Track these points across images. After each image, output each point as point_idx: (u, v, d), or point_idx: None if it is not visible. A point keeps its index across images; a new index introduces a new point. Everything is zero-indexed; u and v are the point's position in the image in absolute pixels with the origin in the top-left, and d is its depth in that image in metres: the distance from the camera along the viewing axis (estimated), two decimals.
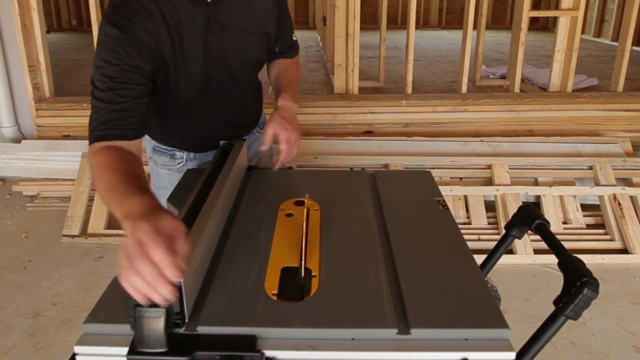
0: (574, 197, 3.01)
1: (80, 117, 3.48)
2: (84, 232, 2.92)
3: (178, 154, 1.52)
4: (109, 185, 0.99)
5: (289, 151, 1.37)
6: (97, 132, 1.11)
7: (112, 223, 3.01)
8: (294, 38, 1.56)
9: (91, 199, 3.05)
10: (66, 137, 3.49)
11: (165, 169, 1.55)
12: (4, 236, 2.95)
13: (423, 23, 10.32)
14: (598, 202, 3.00)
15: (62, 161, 3.32)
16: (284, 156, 1.37)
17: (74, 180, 3.14)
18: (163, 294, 0.70)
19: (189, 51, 1.25)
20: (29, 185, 3.33)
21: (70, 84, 4.82)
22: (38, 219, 3.13)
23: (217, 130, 1.48)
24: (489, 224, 2.94)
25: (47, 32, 4.75)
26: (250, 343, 0.77)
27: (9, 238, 2.93)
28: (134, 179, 1.01)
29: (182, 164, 1.52)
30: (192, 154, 1.52)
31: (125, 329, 0.82)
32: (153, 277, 0.70)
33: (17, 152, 3.39)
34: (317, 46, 7.57)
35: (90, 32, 3.59)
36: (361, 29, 3.64)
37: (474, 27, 3.81)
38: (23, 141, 3.47)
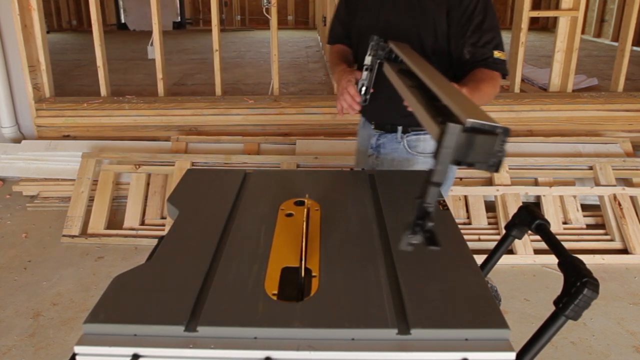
0: (574, 197, 3.01)
1: (80, 117, 3.48)
2: (84, 232, 2.92)
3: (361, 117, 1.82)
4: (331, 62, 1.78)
5: None
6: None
7: (112, 223, 3.02)
8: (496, 55, 1.52)
9: (91, 199, 3.05)
10: (66, 137, 3.49)
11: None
12: (4, 236, 2.94)
13: None
14: (598, 202, 3.00)
15: (62, 161, 3.31)
16: None
17: (74, 180, 3.14)
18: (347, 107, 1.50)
19: (366, 6, 1.65)
20: (29, 185, 3.33)
21: (70, 84, 4.81)
22: (38, 219, 3.13)
23: (371, 102, 1.62)
24: (489, 224, 2.93)
25: (47, 32, 4.75)
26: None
27: (9, 238, 2.92)
28: (341, 57, 1.72)
29: (358, 130, 1.86)
30: (362, 120, 1.81)
31: (125, 329, 0.82)
32: (343, 104, 1.51)
33: (17, 152, 3.39)
34: (317, 46, 7.57)
35: (90, 32, 3.58)
36: None
37: None
38: (23, 141, 3.47)
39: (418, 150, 1.67)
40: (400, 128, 1.66)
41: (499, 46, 1.53)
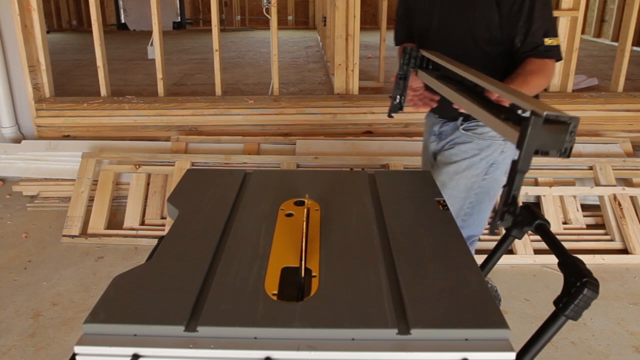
0: (574, 197, 3.01)
1: (80, 117, 3.48)
2: (84, 233, 2.92)
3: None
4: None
5: None
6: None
7: (112, 223, 3.02)
8: (547, 42, 1.53)
9: (91, 199, 3.05)
10: (66, 137, 3.49)
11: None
12: (4, 236, 2.94)
13: None
14: (598, 202, 3.00)
15: (62, 161, 3.31)
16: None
17: (74, 180, 3.14)
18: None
19: (422, 8, 1.70)
20: (29, 185, 3.33)
21: (70, 84, 4.82)
22: (38, 219, 3.13)
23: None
24: (489, 224, 2.93)
25: (47, 32, 4.75)
26: None
27: (9, 238, 2.92)
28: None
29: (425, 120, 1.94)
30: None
31: (125, 329, 0.82)
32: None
33: (17, 152, 3.39)
34: (317, 46, 7.57)
35: (90, 32, 3.58)
36: (361, 29, 3.64)
37: None
38: (23, 141, 3.47)
39: (476, 132, 1.72)
40: (461, 118, 1.73)
41: (550, 32, 1.54)
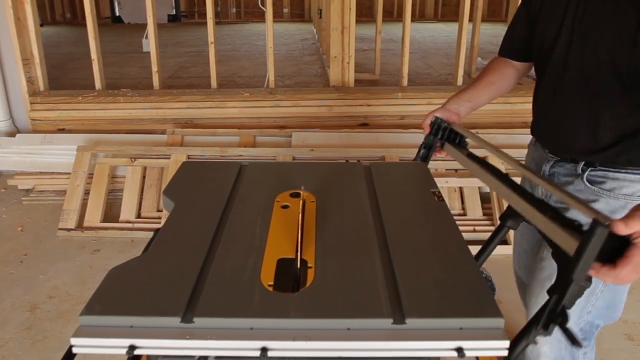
0: None
1: (75, 110, 3.46)
2: (80, 226, 2.92)
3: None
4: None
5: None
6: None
7: (108, 216, 3.01)
8: None
9: (87, 193, 3.04)
10: (61, 130, 3.48)
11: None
12: None
13: (419, 15, 10.29)
14: None
15: (57, 155, 3.30)
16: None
17: (69, 173, 3.13)
18: None
19: (548, 12, 1.30)
20: (24, 179, 3.32)
21: (64, 77, 4.79)
22: (34, 213, 3.12)
23: (547, 126, 1.35)
24: (484, 215, 2.95)
25: (41, 25, 4.71)
26: None
27: (5, 232, 2.92)
28: (479, 81, 1.49)
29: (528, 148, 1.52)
30: (532, 139, 1.48)
31: (121, 320, 0.83)
32: None
33: (11, 146, 3.37)
34: (313, 39, 7.55)
35: (84, 25, 3.56)
36: (357, 21, 3.63)
37: (470, 20, 3.81)
38: (17, 135, 3.45)
39: (604, 187, 1.27)
40: (582, 162, 1.30)
41: None
